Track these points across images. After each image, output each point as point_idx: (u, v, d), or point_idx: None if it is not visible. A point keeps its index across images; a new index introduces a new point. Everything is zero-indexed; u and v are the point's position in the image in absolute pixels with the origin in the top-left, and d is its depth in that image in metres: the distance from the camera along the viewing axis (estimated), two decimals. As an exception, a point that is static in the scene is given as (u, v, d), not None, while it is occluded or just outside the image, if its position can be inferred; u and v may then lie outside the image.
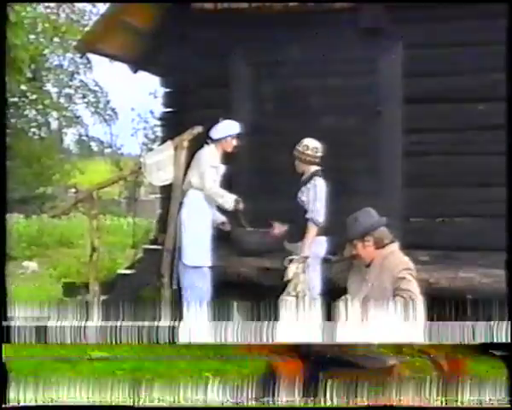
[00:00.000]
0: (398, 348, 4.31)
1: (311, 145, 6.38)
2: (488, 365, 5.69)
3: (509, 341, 3.81)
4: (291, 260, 4.68)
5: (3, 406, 3.58)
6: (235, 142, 6.91)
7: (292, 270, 4.57)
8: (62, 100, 20.34)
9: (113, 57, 9.63)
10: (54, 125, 20.39)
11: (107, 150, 24.11)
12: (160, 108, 9.35)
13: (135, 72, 9.64)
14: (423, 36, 7.22)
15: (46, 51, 19.01)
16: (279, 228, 6.56)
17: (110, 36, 8.23)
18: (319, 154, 6.38)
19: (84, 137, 22.27)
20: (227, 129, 6.89)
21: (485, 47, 7.02)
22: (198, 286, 6.71)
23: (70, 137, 25.00)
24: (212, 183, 6.77)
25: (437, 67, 7.21)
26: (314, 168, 6.39)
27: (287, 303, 4.32)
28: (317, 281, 6.04)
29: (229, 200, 6.76)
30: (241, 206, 6.80)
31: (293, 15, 7.45)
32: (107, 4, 8.50)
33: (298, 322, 4.19)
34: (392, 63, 7.31)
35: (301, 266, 4.77)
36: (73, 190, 18.66)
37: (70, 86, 20.39)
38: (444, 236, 7.20)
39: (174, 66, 8.33)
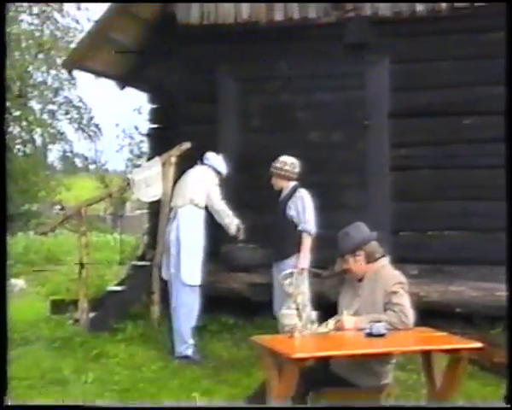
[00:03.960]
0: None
1: (289, 161, 6.40)
2: (480, 382, 5.67)
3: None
4: (289, 274, 4.62)
5: (3, 405, 3.56)
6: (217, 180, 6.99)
7: (291, 284, 4.51)
8: (45, 116, 20.18)
9: (100, 74, 9.61)
10: (38, 141, 20.21)
11: (92, 166, 23.89)
12: (144, 124, 9.34)
13: (122, 88, 9.60)
14: (409, 50, 7.26)
15: (30, 68, 18.90)
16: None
17: (97, 53, 8.23)
18: (297, 169, 6.41)
19: (69, 154, 22.06)
20: (223, 167, 6.98)
21: (471, 61, 7.09)
22: (192, 304, 6.70)
23: (54, 154, 24.82)
24: (220, 200, 6.82)
25: (423, 81, 7.25)
26: (293, 183, 6.40)
27: (289, 316, 4.29)
28: (308, 292, 6.04)
29: (233, 223, 6.81)
30: (241, 234, 6.84)
31: (280, 31, 7.49)
32: (92, 21, 8.52)
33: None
34: (379, 78, 7.35)
35: (300, 279, 4.74)
36: (58, 206, 18.57)
37: (54, 102, 20.25)
38: (433, 249, 7.21)
39: (161, 82, 8.33)
